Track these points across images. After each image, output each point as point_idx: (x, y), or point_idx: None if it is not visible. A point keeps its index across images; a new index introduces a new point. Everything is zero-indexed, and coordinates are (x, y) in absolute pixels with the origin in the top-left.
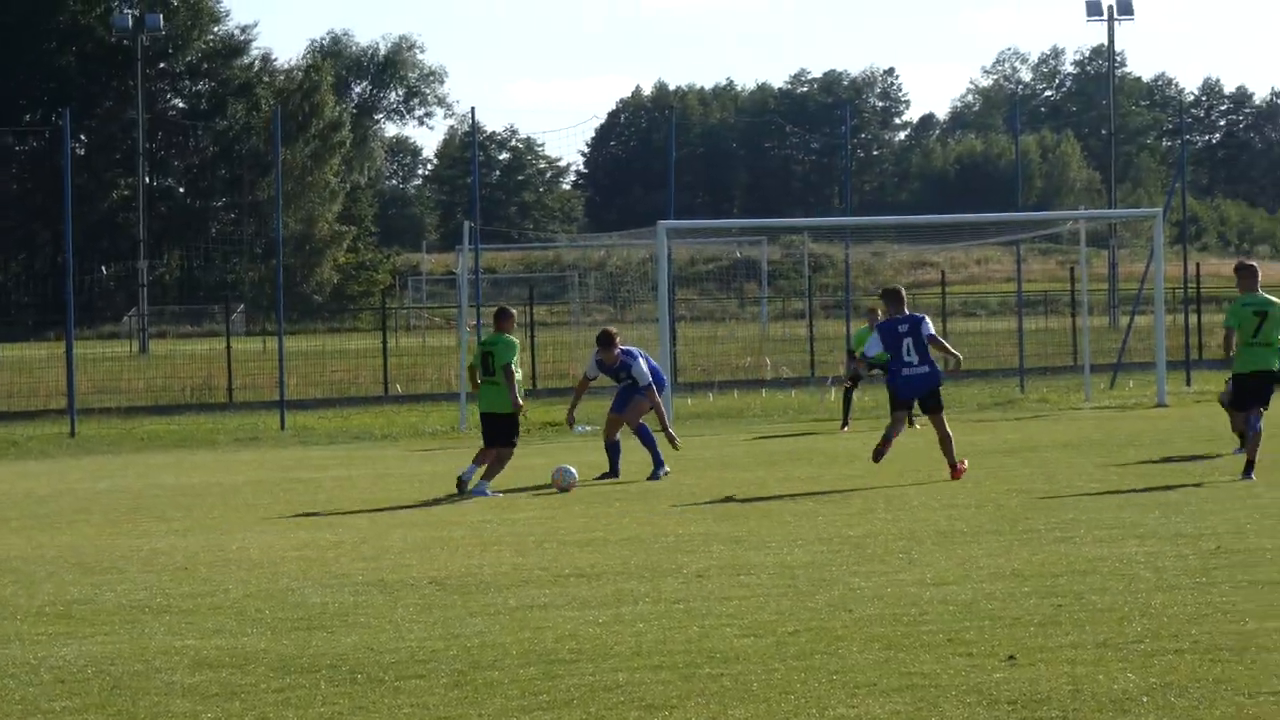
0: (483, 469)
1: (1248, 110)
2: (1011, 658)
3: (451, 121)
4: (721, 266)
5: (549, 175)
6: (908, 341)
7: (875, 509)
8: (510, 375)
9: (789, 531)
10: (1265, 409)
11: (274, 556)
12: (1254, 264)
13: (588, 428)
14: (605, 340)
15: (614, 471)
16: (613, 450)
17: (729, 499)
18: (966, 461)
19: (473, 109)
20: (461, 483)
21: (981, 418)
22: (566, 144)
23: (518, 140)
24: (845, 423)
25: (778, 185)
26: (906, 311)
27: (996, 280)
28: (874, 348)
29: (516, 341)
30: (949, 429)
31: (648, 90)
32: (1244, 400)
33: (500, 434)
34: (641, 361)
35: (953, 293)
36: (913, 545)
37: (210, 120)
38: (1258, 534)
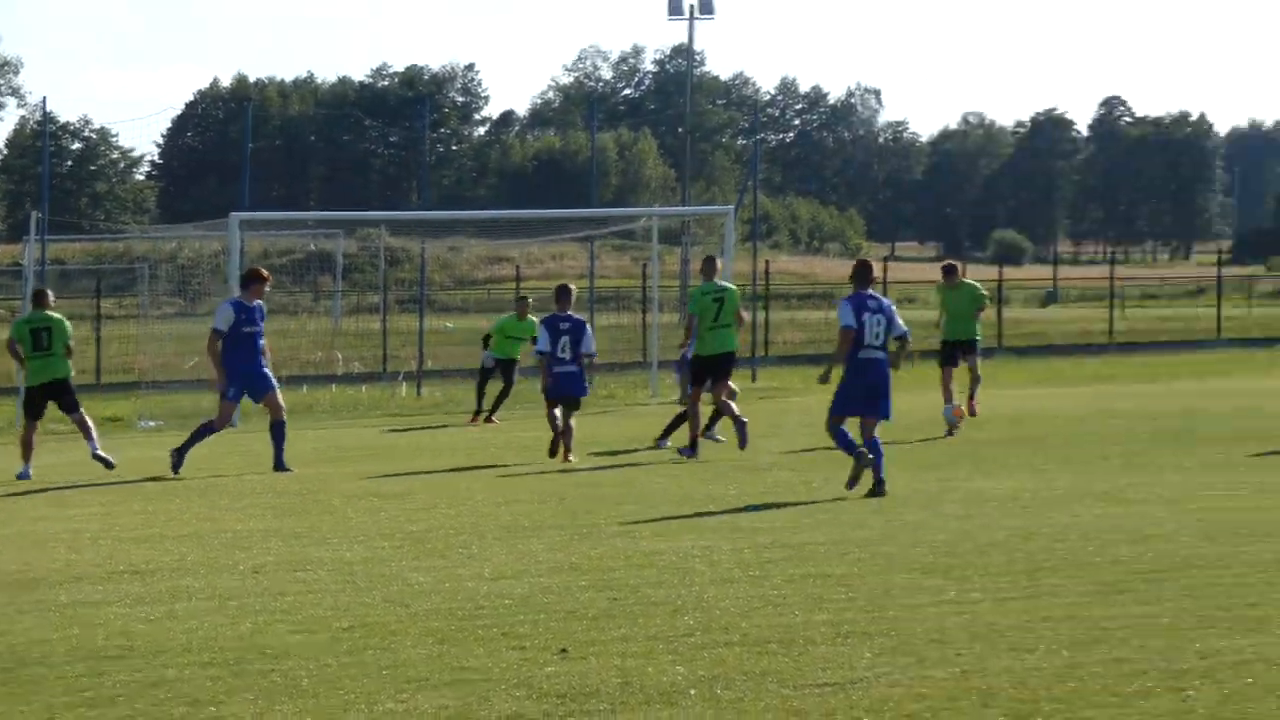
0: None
1: (821, 110)
2: (564, 651)
3: (24, 111)
4: (295, 259)
5: (123, 166)
6: (564, 340)
7: (438, 504)
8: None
9: (350, 527)
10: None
11: None
12: (713, 256)
13: (151, 422)
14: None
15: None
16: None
17: (295, 494)
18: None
19: (44, 98)
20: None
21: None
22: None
23: (91, 130)
24: (479, 412)
25: (356, 178)
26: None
27: (571, 276)
28: (543, 342)
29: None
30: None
31: (226, 82)
32: (702, 379)
33: (72, 400)
34: None
35: (528, 288)
36: (474, 540)
37: None
38: (811, 528)
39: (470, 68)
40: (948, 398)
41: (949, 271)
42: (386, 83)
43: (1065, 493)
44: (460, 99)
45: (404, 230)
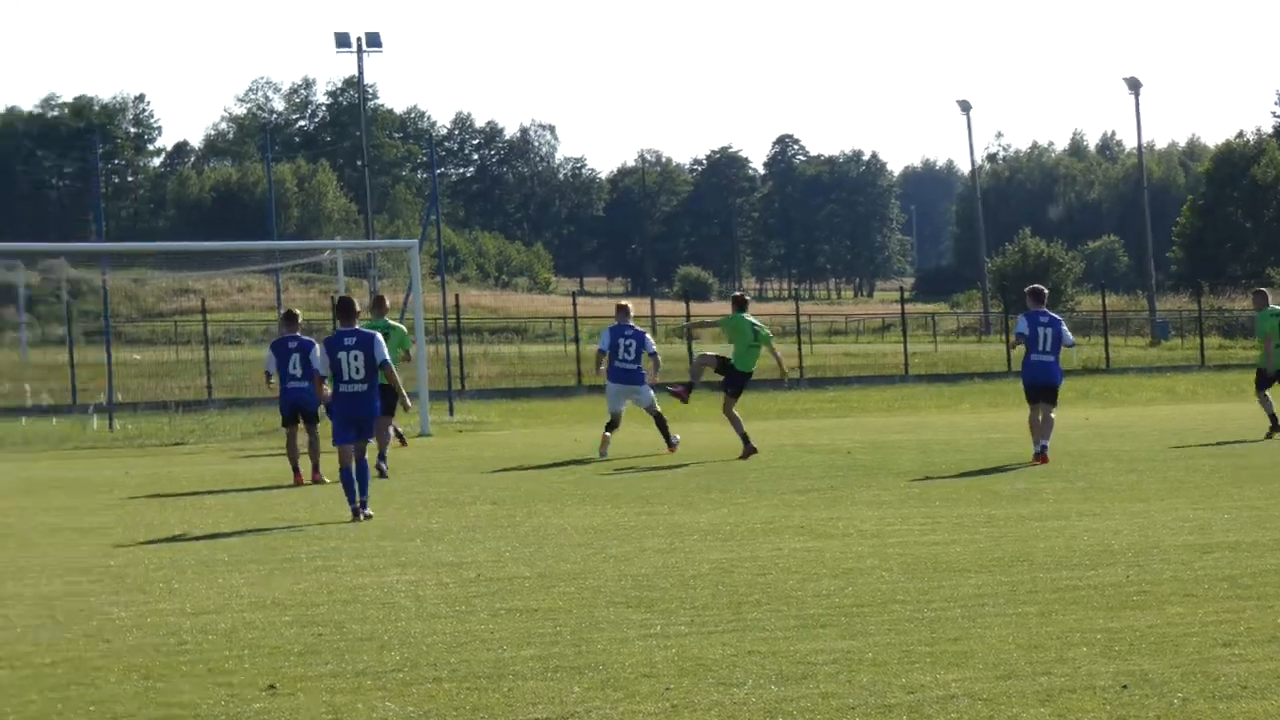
0: None
1: (499, 145)
2: (272, 687)
3: None
4: None
5: None
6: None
7: (137, 538)
8: None
9: (48, 561)
10: None
11: None
12: (382, 296)
13: None
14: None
15: None
16: None
17: None
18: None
19: None
20: None
21: (245, 446)
22: None
23: None
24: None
25: (32, 209)
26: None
27: (260, 308)
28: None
29: None
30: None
31: None
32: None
33: None
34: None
35: (215, 320)
36: (174, 574)
37: None
38: (515, 562)
39: (141, 98)
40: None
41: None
42: (56, 113)
43: (766, 526)
44: (133, 129)
45: (85, 261)
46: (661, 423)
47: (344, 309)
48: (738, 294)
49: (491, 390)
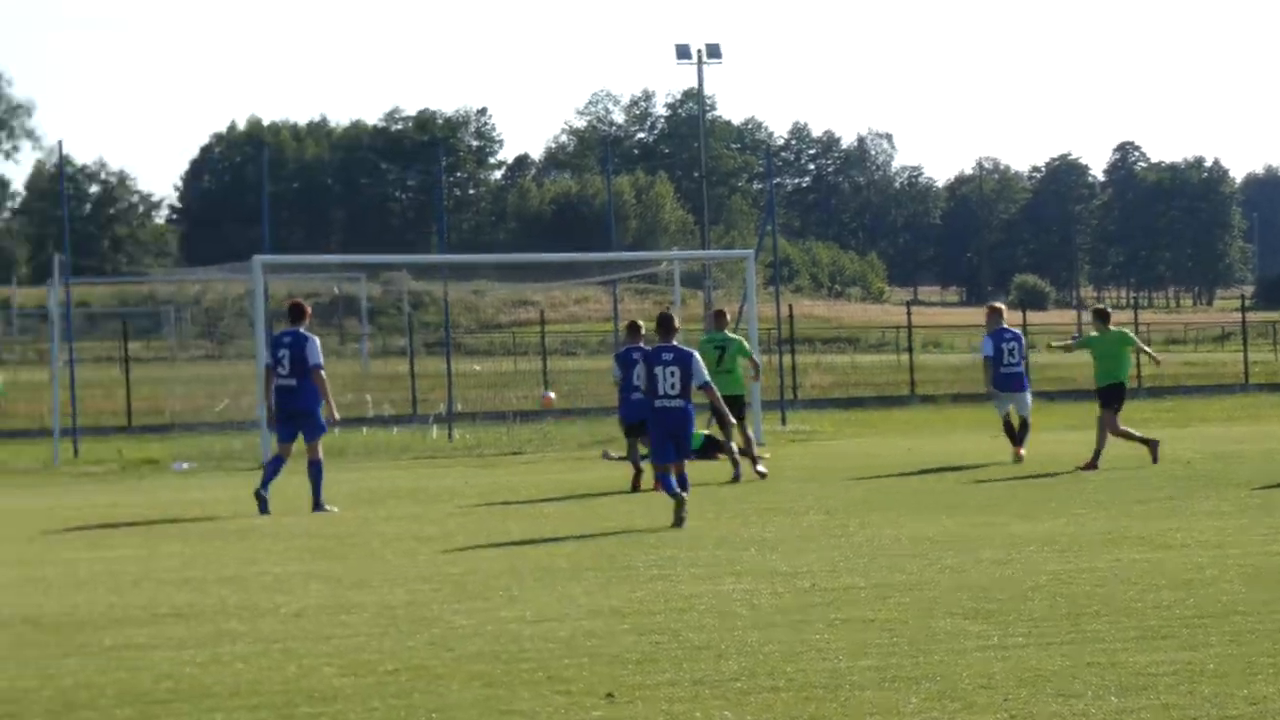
0: None
1: (835, 155)
2: (610, 695)
3: (40, 154)
4: (320, 303)
5: (142, 209)
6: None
7: (476, 546)
8: None
9: (390, 570)
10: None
11: None
12: (722, 310)
13: (185, 464)
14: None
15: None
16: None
17: (332, 537)
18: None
19: (60, 142)
20: None
21: (581, 455)
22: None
23: (108, 174)
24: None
25: (376, 222)
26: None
27: (596, 319)
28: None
29: None
30: None
31: (242, 125)
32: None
33: None
34: None
35: (552, 331)
36: (514, 582)
37: None
38: (850, 572)
39: (483, 111)
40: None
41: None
42: (400, 126)
43: (1104, 537)
44: (474, 143)
45: (426, 274)
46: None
47: (663, 325)
48: (1100, 307)
49: (824, 400)
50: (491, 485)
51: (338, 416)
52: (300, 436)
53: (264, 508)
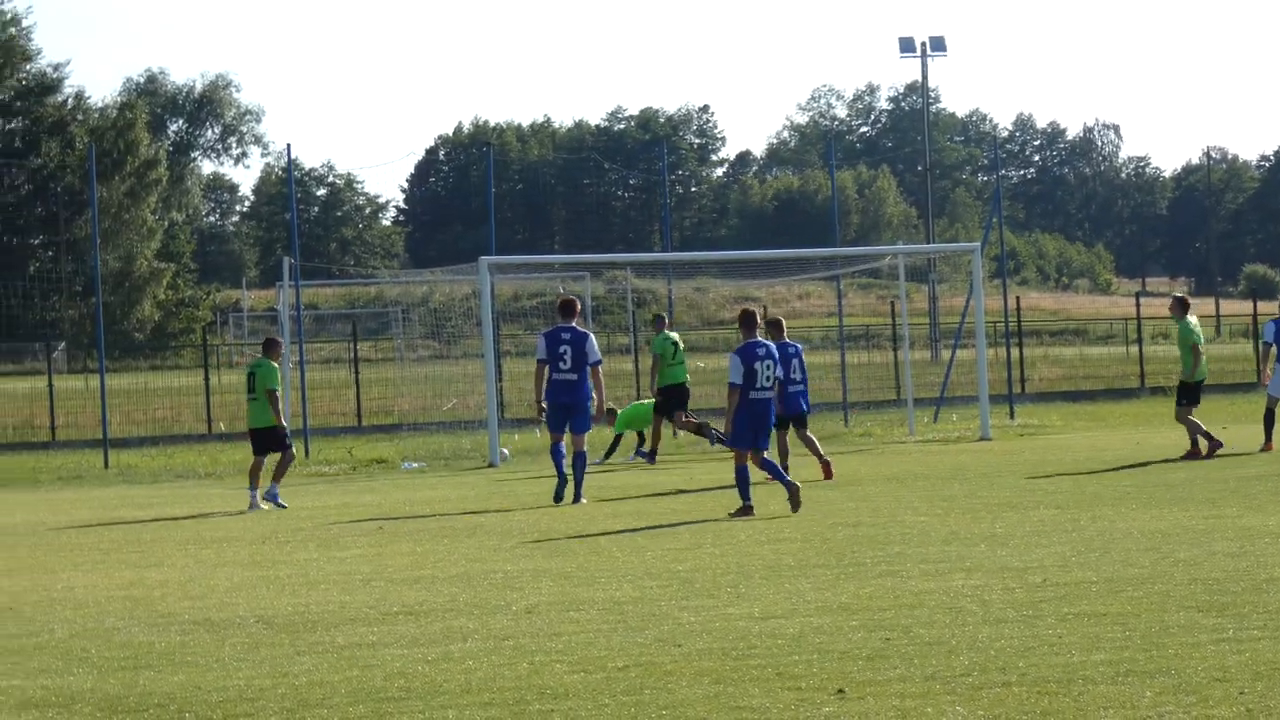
0: (265, 483)
1: (1060, 146)
2: (840, 691)
3: (269, 159)
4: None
5: (368, 211)
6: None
7: (703, 543)
8: (272, 396)
9: (617, 567)
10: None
11: (99, 596)
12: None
13: (414, 464)
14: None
15: None
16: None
17: (557, 536)
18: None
19: (289, 146)
20: (252, 505)
21: (805, 452)
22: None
23: (335, 176)
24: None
25: (598, 221)
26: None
27: (818, 315)
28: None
29: (277, 367)
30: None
31: (467, 126)
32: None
33: (268, 443)
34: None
35: None
36: (740, 579)
37: (24, 158)
38: (1081, 567)
39: (705, 109)
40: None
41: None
42: (623, 126)
43: None
44: (697, 140)
45: (648, 271)
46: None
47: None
48: (1179, 294)
49: (1052, 393)
50: (716, 483)
51: (605, 410)
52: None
53: (559, 494)
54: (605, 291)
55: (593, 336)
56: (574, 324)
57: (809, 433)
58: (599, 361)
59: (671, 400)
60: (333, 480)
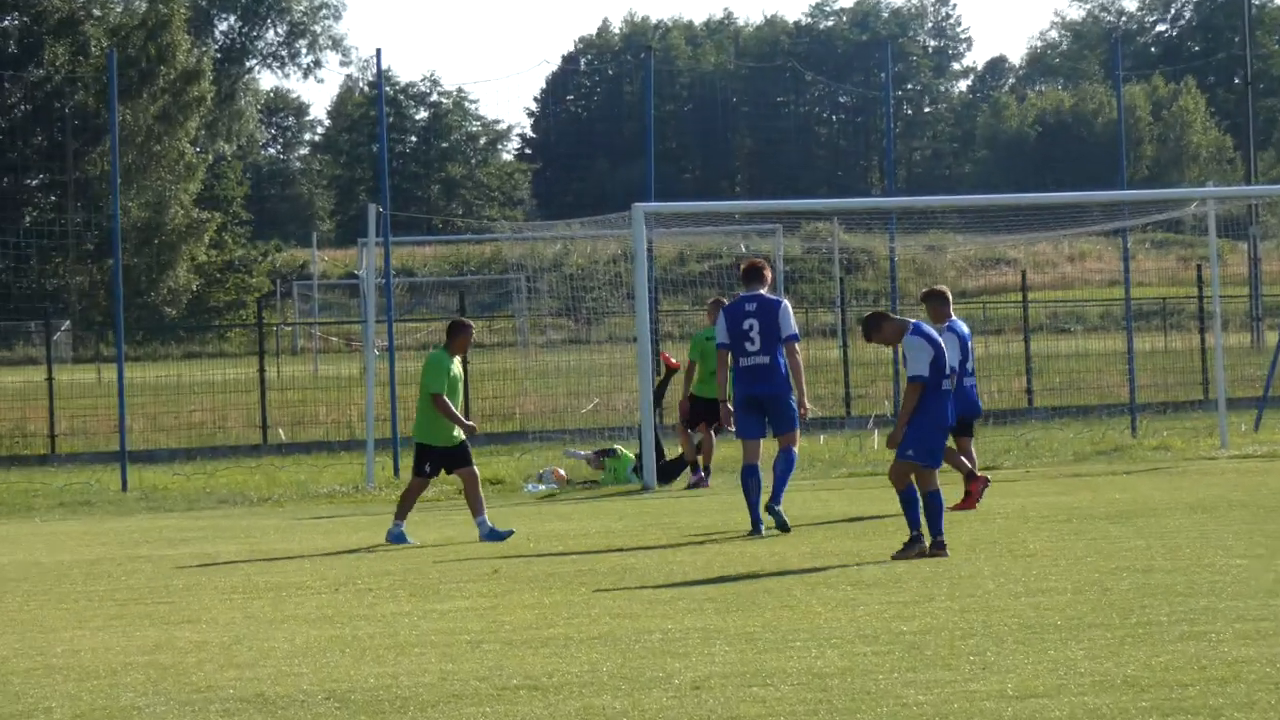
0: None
1: None
2: None
3: (350, 70)
4: (721, 265)
5: (484, 142)
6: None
7: (935, 595)
8: (438, 401)
9: (818, 626)
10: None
11: (114, 663)
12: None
13: (540, 485)
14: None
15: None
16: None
17: (736, 579)
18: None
19: (379, 51)
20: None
21: (1080, 470)
22: (508, 100)
23: (440, 94)
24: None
25: (796, 154)
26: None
27: (1097, 284)
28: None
29: (448, 361)
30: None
31: (617, 26)
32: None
33: (438, 461)
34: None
35: (1037, 300)
36: (988, 644)
37: (21, 68)
38: None
39: (944, 1)
40: None
41: None
42: (831, 23)
43: None
44: (932, 43)
45: (863, 223)
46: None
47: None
48: None
49: None
50: (951, 511)
51: (809, 407)
52: (770, 430)
53: (757, 528)
54: (804, 251)
55: (787, 304)
56: (762, 291)
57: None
58: (795, 336)
59: (706, 415)
60: (431, 507)
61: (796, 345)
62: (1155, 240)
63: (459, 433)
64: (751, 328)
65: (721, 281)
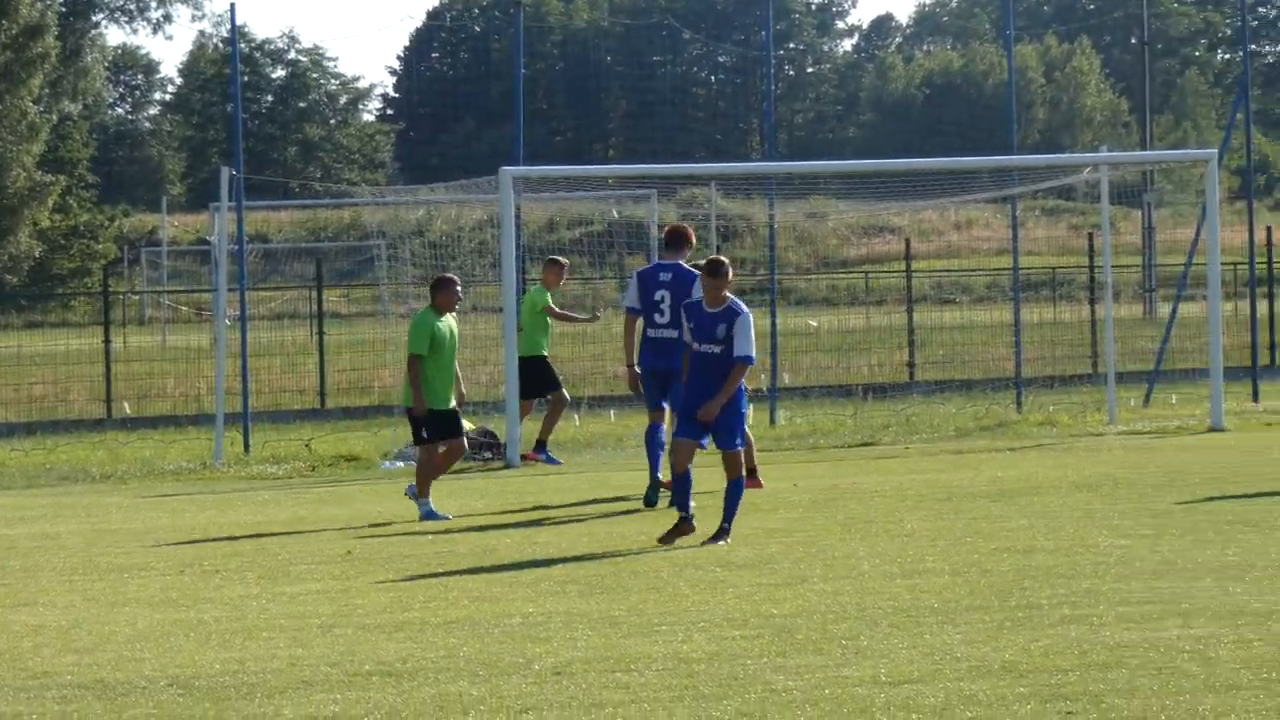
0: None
1: None
2: None
3: (202, 25)
4: (593, 232)
5: (344, 102)
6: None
7: (808, 577)
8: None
9: (685, 609)
10: None
11: None
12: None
13: (399, 463)
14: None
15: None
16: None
17: (600, 559)
18: None
19: (232, 5)
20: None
21: (962, 447)
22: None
23: (299, 52)
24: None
25: (672, 116)
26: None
27: (984, 253)
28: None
29: (434, 320)
30: None
31: None
32: None
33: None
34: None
35: (921, 270)
36: (861, 628)
37: None
38: None
39: None
40: None
41: None
42: None
43: None
44: (816, 2)
45: (742, 189)
46: None
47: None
48: None
49: None
50: (828, 490)
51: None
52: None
53: (652, 497)
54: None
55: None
56: (681, 261)
57: None
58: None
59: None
60: (283, 485)
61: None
62: (1046, 208)
63: (452, 400)
64: (663, 299)
65: (593, 248)
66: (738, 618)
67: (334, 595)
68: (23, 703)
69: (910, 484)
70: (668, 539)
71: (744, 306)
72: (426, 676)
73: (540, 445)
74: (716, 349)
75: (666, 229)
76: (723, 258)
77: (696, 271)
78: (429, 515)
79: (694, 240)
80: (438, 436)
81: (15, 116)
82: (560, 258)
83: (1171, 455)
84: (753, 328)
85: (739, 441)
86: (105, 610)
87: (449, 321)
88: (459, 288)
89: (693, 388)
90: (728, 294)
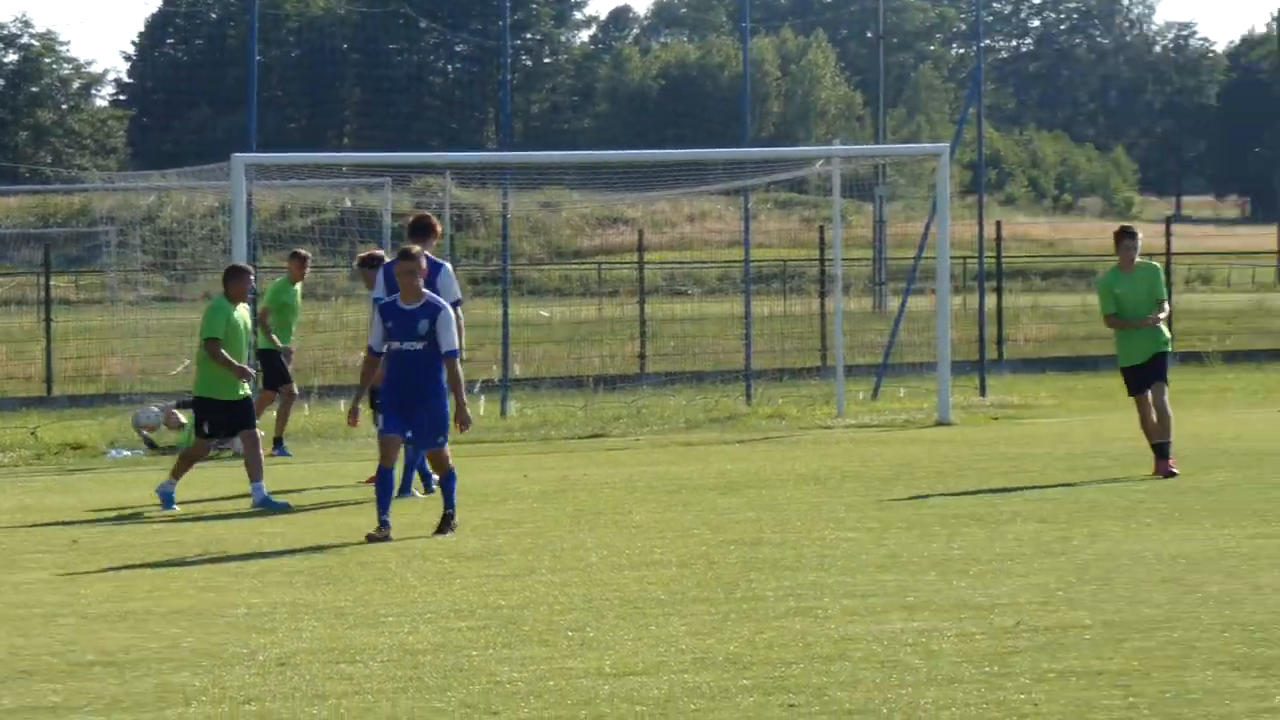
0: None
1: (1071, 7)
2: None
3: None
4: (326, 220)
5: (77, 87)
6: None
7: (536, 569)
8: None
9: (412, 600)
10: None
11: None
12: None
13: (125, 451)
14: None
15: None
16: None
17: (328, 550)
18: None
19: None
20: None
21: (691, 439)
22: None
23: (32, 36)
24: None
25: (407, 105)
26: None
27: (717, 245)
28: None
29: (229, 308)
30: None
31: None
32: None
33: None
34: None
35: (654, 261)
36: (588, 619)
37: None
38: (1071, 605)
39: None
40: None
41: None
42: None
43: None
44: None
45: (477, 179)
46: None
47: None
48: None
49: (1041, 359)
50: (560, 480)
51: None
52: None
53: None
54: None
55: (450, 268)
56: (428, 252)
57: None
58: (459, 301)
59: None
60: (8, 473)
61: (459, 311)
62: (779, 200)
63: (244, 388)
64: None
65: (326, 237)
66: (464, 609)
67: (58, 584)
68: None
69: (640, 476)
70: (375, 537)
71: (441, 300)
72: (149, 666)
73: (277, 442)
74: (419, 345)
75: (411, 218)
76: (414, 247)
77: (443, 262)
78: (166, 496)
79: (440, 230)
80: (224, 432)
81: None
82: (302, 250)
83: (899, 449)
84: (454, 320)
85: (442, 439)
86: None
87: (241, 312)
88: (252, 277)
89: (394, 385)
90: (424, 289)
